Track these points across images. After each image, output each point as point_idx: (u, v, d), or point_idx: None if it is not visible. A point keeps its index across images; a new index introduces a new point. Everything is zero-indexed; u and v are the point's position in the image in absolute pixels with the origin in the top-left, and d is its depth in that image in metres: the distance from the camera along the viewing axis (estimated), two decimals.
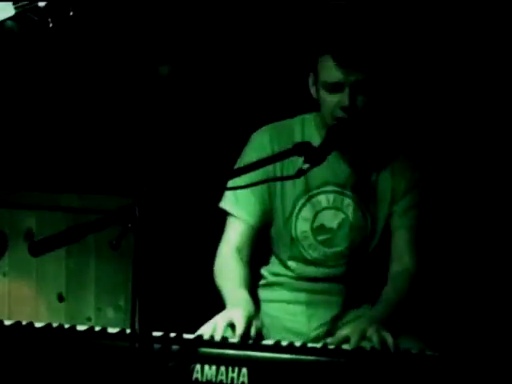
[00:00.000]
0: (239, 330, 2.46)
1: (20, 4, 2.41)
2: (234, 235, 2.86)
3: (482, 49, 3.55)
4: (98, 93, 3.94)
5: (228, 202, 2.89)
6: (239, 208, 2.87)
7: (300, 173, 2.49)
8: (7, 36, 3.58)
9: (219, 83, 3.83)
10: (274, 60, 3.75)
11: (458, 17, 3.54)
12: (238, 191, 2.81)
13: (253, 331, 2.52)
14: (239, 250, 2.84)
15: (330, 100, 2.74)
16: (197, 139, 3.84)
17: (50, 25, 2.44)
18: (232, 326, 2.49)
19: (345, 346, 2.47)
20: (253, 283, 2.87)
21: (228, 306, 2.65)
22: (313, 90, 2.83)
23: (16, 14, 2.43)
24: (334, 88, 2.72)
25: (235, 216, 2.87)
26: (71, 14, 2.44)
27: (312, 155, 2.50)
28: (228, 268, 2.81)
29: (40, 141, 4.00)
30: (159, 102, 3.89)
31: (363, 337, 2.49)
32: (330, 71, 2.71)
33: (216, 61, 3.82)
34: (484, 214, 3.59)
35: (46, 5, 2.40)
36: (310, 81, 2.84)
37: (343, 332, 2.56)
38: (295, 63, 3.53)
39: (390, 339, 2.47)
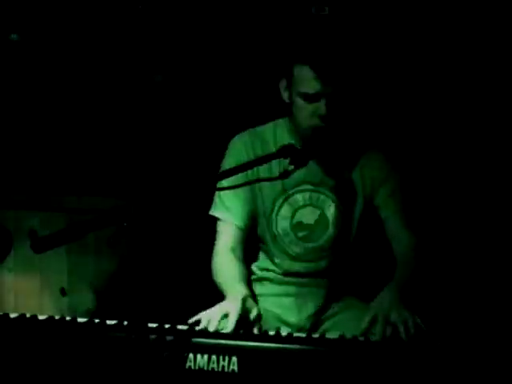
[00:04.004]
0: (232, 321, 2.41)
1: None
2: (227, 238, 2.84)
3: (448, 52, 3.55)
4: (97, 104, 3.92)
5: (218, 209, 2.87)
6: (229, 214, 2.85)
7: (285, 174, 2.46)
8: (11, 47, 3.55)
9: (208, 92, 3.80)
10: (249, 68, 3.71)
11: (431, 27, 3.53)
12: (226, 198, 2.82)
13: (252, 315, 2.49)
14: (233, 250, 2.81)
15: (306, 108, 2.66)
16: (187, 145, 3.81)
17: None
18: (227, 316, 2.45)
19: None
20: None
21: (227, 298, 2.61)
22: (285, 95, 2.75)
23: None
24: (311, 98, 2.64)
25: (226, 221, 2.85)
26: None
27: (297, 157, 2.45)
28: (225, 266, 2.77)
29: (43, 147, 3.99)
30: (153, 111, 3.87)
31: (387, 322, 2.40)
32: (309, 82, 2.62)
33: (205, 71, 3.79)
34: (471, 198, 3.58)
35: None
36: (282, 86, 2.75)
37: (367, 320, 2.44)
38: (268, 70, 3.48)
39: (410, 321, 2.37)
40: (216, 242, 2.86)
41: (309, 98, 2.64)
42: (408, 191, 2.84)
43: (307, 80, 2.62)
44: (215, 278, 2.77)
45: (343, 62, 2.65)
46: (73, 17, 3.84)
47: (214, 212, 2.88)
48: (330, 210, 2.82)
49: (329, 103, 2.62)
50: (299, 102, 2.67)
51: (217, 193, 2.84)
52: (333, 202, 2.82)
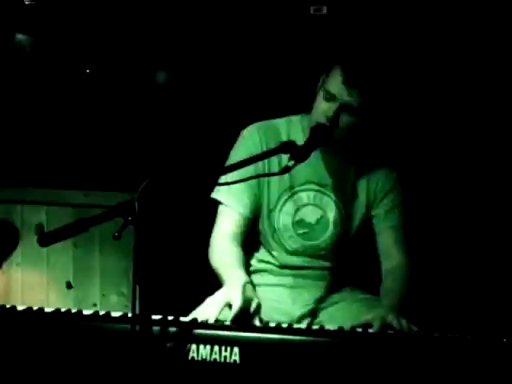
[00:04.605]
0: (234, 312, 2.40)
1: None
2: (227, 223, 2.80)
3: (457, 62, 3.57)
4: (103, 99, 3.94)
5: (221, 192, 2.82)
6: (232, 198, 2.80)
7: (285, 169, 2.47)
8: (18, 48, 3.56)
9: (212, 87, 3.82)
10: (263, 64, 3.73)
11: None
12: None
13: (252, 307, 2.46)
14: (233, 237, 2.77)
15: (321, 104, 2.70)
16: (191, 138, 3.82)
17: None
18: (229, 306, 2.44)
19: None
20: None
21: (226, 285, 2.58)
22: (318, 88, 2.78)
23: None
24: (329, 97, 2.68)
25: (228, 206, 2.81)
26: None
27: (296, 153, 2.47)
28: (223, 250, 2.73)
29: (50, 143, 4.01)
30: (157, 106, 3.88)
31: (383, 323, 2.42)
32: (335, 82, 2.67)
33: (210, 64, 3.80)
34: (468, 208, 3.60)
35: None
36: (322, 79, 2.78)
37: (365, 318, 2.47)
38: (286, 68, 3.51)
39: (405, 324, 2.42)
40: (215, 227, 2.81)
41: (328, 96, 2.68)
42: (408, 208, 2.85)
43: (336, 81, 2.67)
44: (212, 263, 2.73)
45: (373, 86, 2.68)
46: (78, 15, 3.86)
47: (217, 195, 2.83)
48: (332, 212, 2.83)
49: (339, 110, 2.66)
50: (320, 97, 2.71)
51: (222, 178, 2.73)
52: (335, 204, 2.83)
